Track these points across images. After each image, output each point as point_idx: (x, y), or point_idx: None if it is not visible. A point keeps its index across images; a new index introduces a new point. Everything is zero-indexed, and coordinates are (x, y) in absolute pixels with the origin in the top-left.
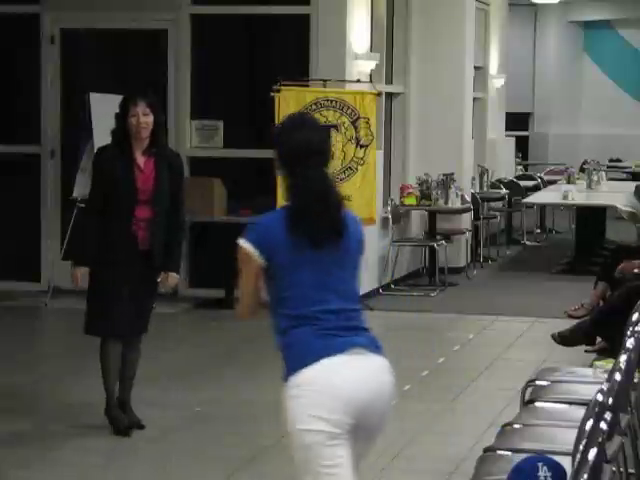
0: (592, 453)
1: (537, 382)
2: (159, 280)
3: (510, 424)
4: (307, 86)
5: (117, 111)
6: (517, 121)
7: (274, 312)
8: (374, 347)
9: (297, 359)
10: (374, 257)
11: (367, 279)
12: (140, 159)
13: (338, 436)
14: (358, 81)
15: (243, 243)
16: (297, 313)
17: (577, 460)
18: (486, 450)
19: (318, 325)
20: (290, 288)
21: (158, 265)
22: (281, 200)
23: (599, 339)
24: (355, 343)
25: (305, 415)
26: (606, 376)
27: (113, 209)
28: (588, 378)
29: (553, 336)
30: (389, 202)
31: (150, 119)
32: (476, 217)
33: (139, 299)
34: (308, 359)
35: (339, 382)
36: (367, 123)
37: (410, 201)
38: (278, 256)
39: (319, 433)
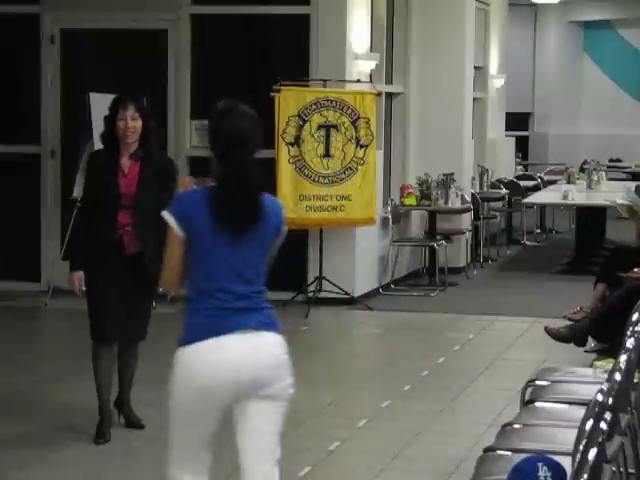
0: (592, 453)
1: (537, 382)
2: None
3: (510, 424)
4: (307, 86)
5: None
6: (517, 121)
7: (187, 282)
8: (267, 326)
9: (189, 333)
10: (374, 257)
11: (367, 279)
12: (125, 163)
13: (214, 411)
14: (358, 81)
15: (166, 215)
16: (199, 289)
17: (577, 460)
18: (486, 450)
19: (214, 304)
20: (197, 263)
21: (152, 272)
22: (281, 198)
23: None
24: (246, 324)
25: (185, 387)
26: (606, 376)
27: (102, 213)
28: (588, 378)
29: (550, 330)
30: (389, 202)
31: (138, 124)
32: (476, 217)
33: (129, 303)
34: (197, 335)
35: (220, 360)
36: (367, 123)
37: (410, 201)
38: (193, 230)
39: (195, 407)
